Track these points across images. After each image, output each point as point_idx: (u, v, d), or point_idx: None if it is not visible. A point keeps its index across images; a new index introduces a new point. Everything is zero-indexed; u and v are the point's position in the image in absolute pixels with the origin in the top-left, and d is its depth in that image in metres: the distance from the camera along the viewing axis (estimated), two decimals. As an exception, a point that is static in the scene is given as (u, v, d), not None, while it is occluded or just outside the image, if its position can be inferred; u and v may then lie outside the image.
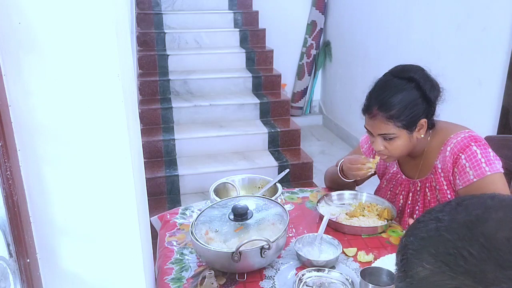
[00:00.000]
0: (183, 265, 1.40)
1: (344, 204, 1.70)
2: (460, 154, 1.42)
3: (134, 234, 1.09)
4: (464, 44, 2.79)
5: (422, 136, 1.48)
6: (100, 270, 1.10)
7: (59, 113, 0.96)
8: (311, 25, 4.85)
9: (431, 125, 1.50)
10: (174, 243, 1.52)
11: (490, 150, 1.42)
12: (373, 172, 1.72)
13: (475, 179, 1.39)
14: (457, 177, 1.44)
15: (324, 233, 1.45)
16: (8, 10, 0.88)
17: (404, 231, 1.56)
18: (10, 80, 0.91)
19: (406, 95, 1.42)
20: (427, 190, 1.55)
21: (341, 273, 1.28)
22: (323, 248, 1.42)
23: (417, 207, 1.59)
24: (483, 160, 1.39)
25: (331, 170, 1.84)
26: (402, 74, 1.47)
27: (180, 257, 1.44)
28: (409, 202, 1.62)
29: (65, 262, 1.07)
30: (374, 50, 3.96)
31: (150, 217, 1.51)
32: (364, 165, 1.58)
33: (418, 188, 1.58)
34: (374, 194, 1.76)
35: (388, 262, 1.33)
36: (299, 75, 5.01)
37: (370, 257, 1.40)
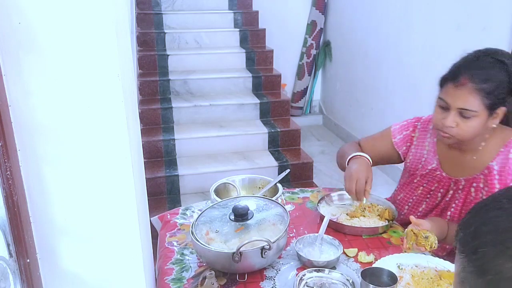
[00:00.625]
0: (184, 265, 1.40)
1: (344, 204, 1.70)
2: None
3: (134, 234, 1.09)
4: (464, 44, 2.78)
5: (495, 126, 1.36)
6: (100, 270, 1.10)
7: (59, 113, 0.96)
8: (311, 25, 4.85)
9: (503, 120, 1.38)
10: (175, 243, 1.52)
11: None
12: (397, 161, 1.67)
13: None
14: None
15: (324, 233, 1.45)
16: (8, 10, 0.88)
17: (403, 230, 1.56)
18: (10, 80, 0.91)
19: (499, 74, 1.30)
20: (472, 189, 1.44)
21: (341, 274, 1.28)
22: (323, 249, 1.42)
23: (453, 205, 1.50)
24: None
25: (345, 148, 1.72)
26: (494, 55, 1.34)
27: (180, 258, 1.44)
28: (447, 199, 1.51)
29: (65, 262, 1.06)
30: (374, 50, 3.95)
31: (150, 217, 1.51)
32: (353, 197, 1.53)
33: (461, 187, 1.47)
34: (399, 188, 1.68)
35: (389, 263, 1.33)
36: (299, 75, 5.01)
37: (370, 257, 1.40)
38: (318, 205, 1.65)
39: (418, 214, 1.61)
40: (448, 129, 1.35)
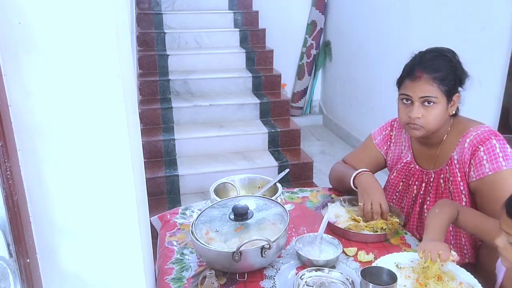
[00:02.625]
0: (184, 265, 1.40)
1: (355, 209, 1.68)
2: (479, 146, 1.43)
3: (134, 234, 1.09)
4: (464, 44, 2.79)
5: (454, 112, 1.50)
6: (100, 270, 1.10)
7: (59, 113, 0.96)
8: (311, 25, 4.85)
9: (457, 110, 1.53)
10: (175, 243, 1.52)
11: (507, 146, 1.43)
12: (384, 165, 1.75)
13: (490, 172, 1.40)
14: (472, 169, 1.45)
15: (324, 233, 1.45)
16: (8, 10, 0.88)
17: (405, 231, 1.57)
18: (10, 80, 0.91)
19: (446, 64, 1.46)
20: (441, 181, 1.55)
21: (341, 273, 1.28)
22: (323, 248, 1.42)
23: (428, 198, 1.58)
24: (501, 154, 1.41)
25: (339, 170, 1.80)
26: (436, 51, 1.51)
27: (180, 257, 1.44)
28: (421, 192, 1.61)
29: (65, 262, 1.07)
30: (374, 50, 3.96)
31: (150, 217, 1.51)
32: (369, 219, 1.55)
33: (432, 179, 1.57)
34: (384, 187, 1.73)
35: (389, 262, 1.33)
36: (299, 75, 5.01)
37: (370, 256, 1.40)
38: (328, 204, 1.64)
39: (403, 210, 1.67)
40: (416, 120, 1.46)
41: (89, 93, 0.96)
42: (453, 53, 1.50)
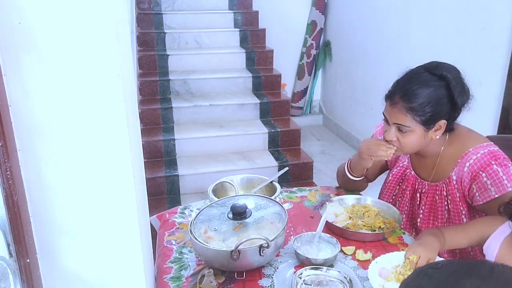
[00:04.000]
0: (182, 264, 1.41)
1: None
2: (481, 172, 1.41)
3: (134, 234, 1.09)
4: (464, 44, 2.79)
5: (438, 137, 1.46)
6: (100, 270, 1.10)
7: (59, 113, 0.97)
8: (311, 25, 4.85)
9: (449, 129, 1.48)
10: (173, 242, 1.52)
11: (510, 164, 1.41)
12: (387, 166, 1.75)
13: (496, 195, 1.39)
14: (476, 194, 1.43)
15: (322, 231, 1.46)
16: (8, 10, 0.88)
17: (403, 230, 1.57)
18: (10, 80, 0.91)
19: (433, 92, 1.39)
20: (436, 197, 1.54)
21: (339, 272, 1.28)
22: (321, 247, 1.43)
23: (421, 211, 1.59)
24: (504, 177, 1.39)
25: (342, 167, 1.81)
26: (435, 70, 1.44)
27: (179, 256, 1.44)
28: (417, 202, 1.60)
29: (65, 262, 1.07)
30: (374, 50, 3.96)
31: (149, 216, 1.52)
32: (384, 148, 1.51)
33: (425, 191, 1.57)
34: (380, 190, 1.75)
35: (386, 261, 1.33)
36: (299, 75, 5.02)
37: (368, 255, 1.41)
38: (326, 203, 1.65)
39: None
40: (391, 142, 1.48)
41: (89, 93, 0.97)
42: (454, 73, 1.43)
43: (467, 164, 1.44)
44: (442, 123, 1.43)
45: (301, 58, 4.99)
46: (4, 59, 0.90)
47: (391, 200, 1.71)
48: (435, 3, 3.09)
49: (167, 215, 1.70)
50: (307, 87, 5.07)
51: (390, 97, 1.45)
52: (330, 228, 1.53)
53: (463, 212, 1.50)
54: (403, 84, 1.43)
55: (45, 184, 1.00)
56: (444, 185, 1.52)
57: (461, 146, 1.48)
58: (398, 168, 1.68)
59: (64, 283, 1.09)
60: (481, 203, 1.44)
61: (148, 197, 1.40)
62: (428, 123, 1.41)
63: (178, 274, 1.35)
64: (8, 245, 0.92)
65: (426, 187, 1.57)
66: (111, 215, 1.06)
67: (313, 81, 5.12)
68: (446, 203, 1.53)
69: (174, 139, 3.47)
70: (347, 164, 1.73)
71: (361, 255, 1.41)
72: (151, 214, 1.53)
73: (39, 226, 1.02)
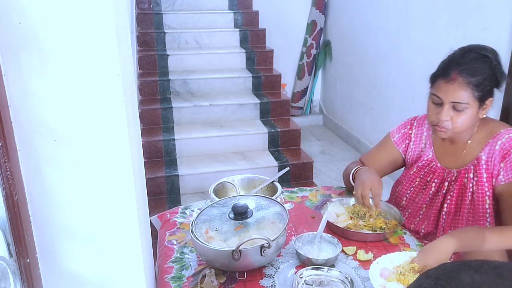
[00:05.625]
0: (183, 263, 1.40)
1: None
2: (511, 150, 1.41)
3: (134, 234, 1.09)
4: (464, 44, 2.78)
5: (484, 116, 1.46)
6: (100, 270, 1.10)
7: (59, 113, 0.96)
8: (311, 25, 4.85)
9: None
10: (174, 242, 1.52)
11: None
12: (402, 164, 1.73)
13: None
14: (501, 173, 1.43)
15: (324, 232, 1.46)
16: (8, 10, 0.88)
17: (404, 230, 1.57)
18: (10, 80, 0.91)
19: (485, 68, 1.39)
20: (465, 180, 1.51)
21: (340, 272, 1.28)
22: (322, 247, 1.42)
23: (449, 197, 1.55)
24: None
25: (348, 172, 1.76)
26: (478, 50, 1.43)
27: (180, 256, 1.44)
28: (443, 191, 1.56)
29: (65, 262, 1.07)
30: (374, 50, 3.96)
31: (150, 216, 1.52)
32: (365, 207, 1.58)
33: (454, 178, 1.54)
34: (398, 181, 1.72)
35: (387, 261, 1.33)
36: (299, 75, 5.02)
37: (369, 255, 1.41)
38: (327, 203, 1.64)
39: (416, 205, 1.64)
40: (443, 123, 1.43)
41: (89, 93, 0.97)
42: (495, 54, 1.43)
43: (499, 143, 1.44)
44: (489, 101, 1.43)
45: (301, 58, 4.99)
46: (4, 59, 0.90)
47: (409, 192, 1.66)
48: (435, 3, 3.08)
49: (168, 215, 1.70)
50: (307, 87, 5.07)
51: (445, 74, 1.40)
52: (331, 228, 1.53)
53: (487, 194, 1.46)
54: (458, 61, 1.40)
55: (45, 184, 1.00)
56: (472, 167, 1.49)
57: (492, 129, 1.48)
58: (423, 162, 1.63)
59: (64, 283, 1.09)
60: (503, 183, 1.43)
61: (148, 197, 1.40)
62: (482, 100, 1.40)
63: (179, 274, 1.35)
64: (8, 245, 0.92)
65: (455, 174, 1.54)
66: (111, 215, 1.06)
67: (313, 81, 5.12)
68: (471, 185, 1.50)
69: (174, 139, 3.47)
70: (352, 175, 1.69)
71: (362, 255, 1.41)
72: (151, 214, 1.52)
73: (39, 226, 1.02)
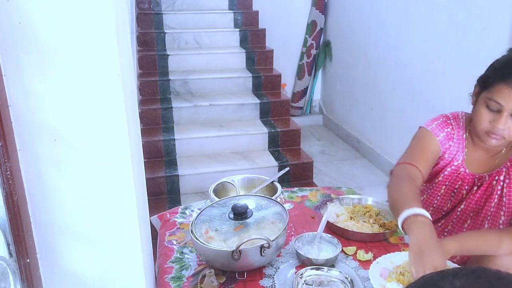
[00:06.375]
0: (183, 264, 1.40)
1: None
2: None
3: (134, 234, 1.09)
4: (464, 44, 2.79)
5: None
6: (100, 270, 1.10)
7: (59, 113, 0.97)
8: (311, 25, 4.85)
9: None
10: (174, 242, 1.52)
11: None
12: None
13: None
14: None
15: (323, 232, 1.46)
16: (8, 10, 0.88)
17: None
18: (10, 80, 0.91)
19: None
20: (494, 182, 1.44)
21: (340, 272, 1.28)
22: (322, 247, 1.43)
23: (471, 196, 1.48)
24: None
25: (394, 191, 1.39)
26: None
27: (180, 256, 1.44)
28: (471, 196, 1.49)
29: (65, 262, 1.07)
30: (374, 50, 3.96)
31: (150, 216, 1.52)
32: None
33: (485, 182, 1.47)
34: (422, 190, 1.59)
35: (387, 261, 1.33)
36: (299, 75, 5.02)
37: (369, 255, 1.41)
38: (327, 203, 1.65)
39: (443, 213, 1.57)
40: (500, 131, 1.31)
41: (89, 93, 0.97)
42: None
43: None
44: None
45: (301, 58, 4.98)
46: (4, 59, 0.90)
47: (435, 201, 1.57)
48: (435, 3, 3.08)
49: (168, 215, 1.70)
50: (307, 87, 5.07)
51: (508, 78, 1.26)
52: (331, 228, 1.53)
53: None
54: None
55: (45, 184, 1.00)
56: (504, 169, 1.42)
57: None
58: (452, 167, 1.51)
59: (64, 283, 1.09)
60: None
61: (148, 197, 1.40)
62: None
63: (179, 274, 1.35)
64: (8, 245, 0.92)
65: (487, 178, 1.46)
66: (111, 215, 1.06)
67: (313, 81, 5.12)
68: (499, 187, 1.42)
69: (174, 139, 3.47)
70: (402, 225, 1.27)
71: (362, 255, 1.41)
72: (151, 214, 1.52)
73: (39, 226, 1.02)
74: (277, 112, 3.88)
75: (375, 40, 3.92)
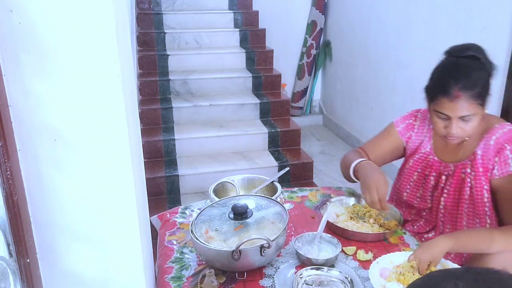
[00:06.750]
0: (183, 264, 1.40)
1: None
2: (506, 145, 1.43)
3: (134, 234, 1.09)
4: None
5: (486, 111, 1.45)
6: (100, 270, 1.10)
7: (59, 113, 0.96)
8: (311, 25, 4.85)
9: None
10: (174, 242, 1.52)
11: None
12: (402, 155, 1.73)
13: None
14: (496, 167, 1.45)
15: (323, 232, 1.46)
16: (8, 10, 0.88)
17: (404, 230, 1.57)
18: (10, 80, 0.91)
19: (482, 72, 1.40)
20: (462, 175, 1.53)
21: (340, 272, 1.28)
22: (322, 247, 1.43)
23: (445, 191, 1.57)
24: None
25: (346, 158, 1.71)
26: (464, 53, 1.43)
27: (180, 256, 1.44)
28: (441, 185, 1.58)
29: (65, 262, 1.07)
30: (374, 50, 3.96)
31: (150, 216, 1.52)
32: (376, 207, 1.51)
33: (451, 172, 1.56)
34: (397, 177, 1.73)
35: (387, 261, 1.33)
36: (299, 75, 5.02)
37: (369, 255, 1.41)
38: (327, 203, 1.65)
39: (419, 200, 1.65)
40: (455, 134, 1.42)
41: (89, 93, 0.97)
42: (481, 50, 1.43)
43: (493, 138, 1.46)
44: (489, 97, 1.43)
45: (301, 58, 4.98)
46: (4, 59, 0.90)
47: (408, 186, 1.67)
48: (435, 3, 3.08)
49: (168, 215, 1.70)
50: (307, 87, 5.07)
51: (446, 92, 1.38)
52: (331, 228, 1.53)
53: (485, 188, 1.48)
54: (456, 75, 1.38)
55: (45, 184, 1.00)
56: (469, 162, 1.51)
57: (487, 124, 1.49)
58: (420, 154, 1.65)
59: (64, 283, 1.09)
60: (497, 177, 1.45)
61: (148, 197, 1.40)
62: (485, 103, 1.41)
63: (179, 274, 1.35)
64: (8, 245, 0.92)
65: (452, 168, 1.55)
66: (111, 215, 1.06)
67: (313, 81, 5.12)
68: (469, 180, 1.51)
69: (174, 139, 3.47)
70: (353, 168, 1.61)
71: (362, 255, 1.41)
72: (151, 214, 1.52)
73: (39, 226, 1.02)
74: (277, 112, 3.88)
75: (375, 40, 3.92)
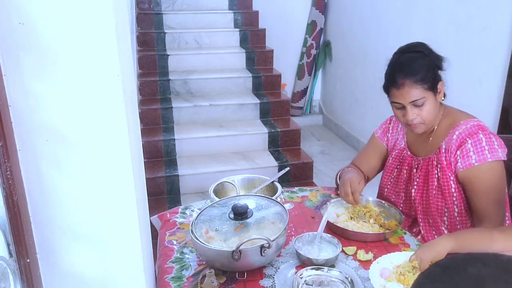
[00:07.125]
0: (183, 264, 1.40)
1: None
2: (467, 139, 1.51)
3: (134, 234, 1.09)
4: (464, 44, 2.79)
5: (443, 99, 1.57)
6: (100, 270, 1.10)
7: (59, 113, 0.96)
8: (311, 25, 4.85)
9: (444, 95, 1.59)
10: (174, 242, 1.52)
11: (494, 139, 1.51)
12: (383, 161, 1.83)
13: (476, 163, 1.49)
14: (459, 160, 1.52)
15: (324, 232, 1.46)
16: (8, 10, 0.88)
17: (404, 230, 1.57)
18: (10, 80, 0.91)
19: (422, 61, 1.53)
20: (429, 167, 1.62)
21: (340, 272, 1.28)
22: (322, 247, 1.42)
23: (415, 183, 1.66)
24: (486, 147, 1.49)
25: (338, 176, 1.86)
26: (409, 49, 1.58)
27: (180, 256, 1.44)
28: (413, 177, 1.67)
29: (65, 262, 1.07)
30: (374, 50, 3.96)
31: (150, 216, 1.52)
32: (348, 200, 1.63)
33: (419, 165, 1.65)
34: (383, 172, 1.83)
35: (387, 261, 1.33)
36: (299, 75, 5.02)
37: (369, 255, 1.41)
38: (327, 203, 1.65)
39: (398, 194, 1.74)
40: (413, 121, 1.54)
41: (89, 93, 0.97)
42: (424, 46, 1.58)
43: (457, 133, 1.54)
44: (441, 84, 1.55)
45: (301, 58, 4.99)
46: (4, 59, 0.90)
47: (389, 183, 1.77)
48: (435, 3, 3.08)
49: (168, 215, 1.70)
50: (307, 87, 5.07)
51: (393, 83, 1.53)
52: (331, 228, 1.53)
53: (451, 178, 1.56)
54: (399, 67, 1.54)
55: (45, 184, 1.00)
56: (435, 156, 1.60)
57: (453, 120, 1.59)
58: (397, 151, 1.76)
59: (64, 283, 1.09)
60: (461, 170, 1.52)
61: (148, 197, 1.40)
62: (434, 87, 1.52)
63: (179, 274, 1.35)
64: (8, 245, 0.92)
65: (421, 162, 1.65)
66: (111, 215, 1.06)
67: (313, 81, 5.12)
68: (436, 171, 1.60)
69: (174, 139, 3.47)
70: (338, 175, 1.80)
71: (362, 255, 1.41)
72: (151, 214, 1.52)
73: (39, 226, 1.02)
74: (277, 112, 3.88)
75: (375, 40, 3.92)
